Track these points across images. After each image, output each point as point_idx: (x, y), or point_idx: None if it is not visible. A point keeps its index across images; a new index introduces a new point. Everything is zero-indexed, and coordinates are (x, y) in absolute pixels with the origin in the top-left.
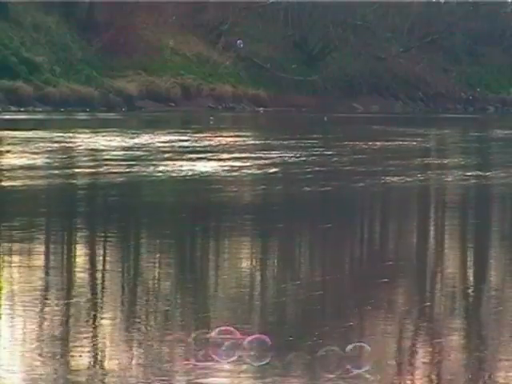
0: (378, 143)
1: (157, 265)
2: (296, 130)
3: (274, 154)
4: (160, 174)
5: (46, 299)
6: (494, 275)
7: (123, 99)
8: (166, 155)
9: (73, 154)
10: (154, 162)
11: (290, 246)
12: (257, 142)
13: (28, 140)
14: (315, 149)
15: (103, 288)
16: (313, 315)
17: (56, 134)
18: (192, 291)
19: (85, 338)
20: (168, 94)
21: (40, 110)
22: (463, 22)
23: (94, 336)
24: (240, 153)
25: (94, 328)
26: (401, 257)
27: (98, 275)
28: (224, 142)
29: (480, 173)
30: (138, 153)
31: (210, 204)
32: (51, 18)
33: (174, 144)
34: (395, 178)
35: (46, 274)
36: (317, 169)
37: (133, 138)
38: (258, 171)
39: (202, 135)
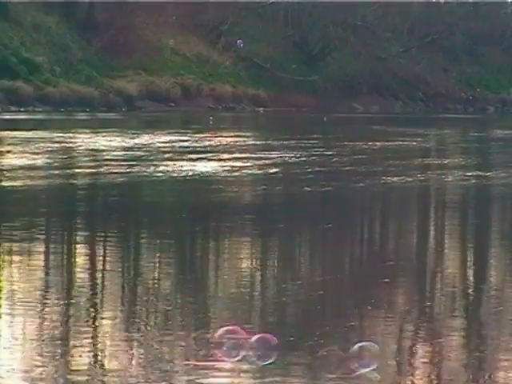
0: (378, 143)
1: (157, 265)
2: (296, 130)
3: (274, 154)
4: (160, 174)
5: (46, 299)
6: (494, 275)
7: (123, 99)
8: (167, 155)
9: (73, 154)
10: (155, 162)
11: (291, 246)
12: (257, 142)
13: (28, 140)
14: (315, 149)
15: (103, 288)
16: (314, 315)
17: (56, 134)
18: (192, 291)
19: (85, 337)
20: (168, 94)
21: (40, 110)
22: (463, 22)
23: (94, 336)
24: (240, 153)
25: (94, 328)
26: (401, 257)
27: (99, 275)
28: (224, 142)
29: (480, 173)
30: (139, 153)
31: (210, 204)
32: (51, 18)
33: (174, 144)
34: (395, 178)
35: (46, 274)
36: (317, 169)
37: (133, 138)
38: (259, 171)
39: (202, 135)
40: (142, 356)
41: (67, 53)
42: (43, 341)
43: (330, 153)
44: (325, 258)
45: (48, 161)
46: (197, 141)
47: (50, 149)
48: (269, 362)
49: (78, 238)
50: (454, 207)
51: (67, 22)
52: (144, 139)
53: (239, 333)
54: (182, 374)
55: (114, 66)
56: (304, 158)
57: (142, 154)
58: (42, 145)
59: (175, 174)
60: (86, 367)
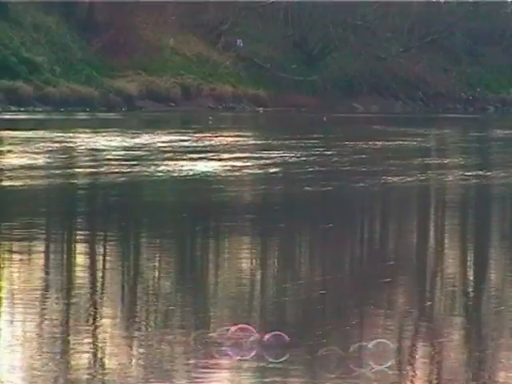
0: (378, 143)
1: (157, 264)
2: (296, 129)
3: (274, 153)
4: (161, 173)
5: (46, 299)
6: (494, 275)
7: (123, 99)
8: (167, 155)
9: (73, 154)
10: (155, 162)
11: (291, 246)
12: (257, 142)
13: (28, 140)
14: (316, 149)
15: (104, 287)
16: (314, 315)
17: (56, 134)
18: (193, 291)
19: (85, 337)
20: (168, 93)
21: (40, 110)
22: (463, 22)
23: (94, 336)
24: (240, 153)
25: (94, 328)
26: (401, 256)
27: (99, 275)
28: (224, 142)
29: (480, 173)
30: (139, 153)
31: (210, 204)
32: (51, 18)
33: (174, 144)
34: (395, 178)
35: (47, 273)
36: (317, 169)
37: (133, 137)
38: (259, 171)
39: (202, 135)
40: (142, 356)
41: (67, 53)
42: (43, 341)
43: (330, 152)
44: (325, 258)
45: (48, 160)
46: (197, 141)
47: (50, 148)
48: (282, 359)
49: (79, 238)
50: (453, 207)
51: (67, 22)
52: (144, 139)
53: (250, 331)
54: (183, 373)
55: (114, 65)
56: (304, 158)
57: (143, 153)
58: (42, 144)
59: (176, 174)
60: (86, 367)
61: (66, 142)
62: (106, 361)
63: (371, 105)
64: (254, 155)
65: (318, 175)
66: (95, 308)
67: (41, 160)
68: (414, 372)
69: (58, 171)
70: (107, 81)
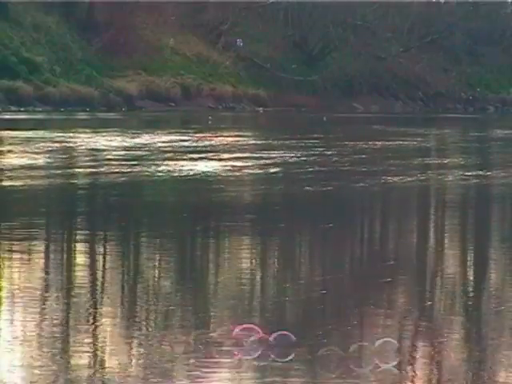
0: (378, 143)
1: (158, 264)
2: (296, 129)
3: (274, 153)
4: (161, 173)
5: (47, 298)
6: (494, 275)
7: (123, 99)
8: (167, 155)
9: (73, 154)
10: (155, 162)
11: (292, 246)
12: (257, 142)
13: (28, 140)
14: (316, 149)
15: (104, 287)
16: (315, 314)
17: (56, 134)
18: (193, 291)
19: (85, 337)
20: (168, 93)
21: (40, 109)
22: (463, 22)
23: (95, 335)
24: (241, 153)
25: (94, 327)
26: (402, 256)
27: (99, 274)
28: (225, 142)
29: (480, 173)
30: (139, 152)
31: (211, 204)
32: (51, 18)
33: (174, 144)
34: (396, 178)
35: (47, 273)
36: (317, 169)
37: (133, 137)
38: (259, 171)
39: (202, 135)
40: (142, 355)
41: (67, 53)
42: (43, 340)
43: (330, 152)
44: (325, 258)
45: (48, 160)
46: (197, 141)
47: (50, 148)
48: (288, 359)
49: (79, 238)
50: (454, 207)
51: (67, 21)
52: (144, 139)
53: (256, 331)
54: (183, 373)
55: (114, 65)
56: (304, 158)
57: (143, 153)
58: (42, 144)
59: (176, 174)
60: (86, 366)
61: (66, 141)
62: (106, 361)
63: (371, 105)
64: (254, 155)
65: (318, 175)
66: (95, 308)
67: (41, 160)
68: (418, 371)
69: (58, 171)
70: (107, 81)
